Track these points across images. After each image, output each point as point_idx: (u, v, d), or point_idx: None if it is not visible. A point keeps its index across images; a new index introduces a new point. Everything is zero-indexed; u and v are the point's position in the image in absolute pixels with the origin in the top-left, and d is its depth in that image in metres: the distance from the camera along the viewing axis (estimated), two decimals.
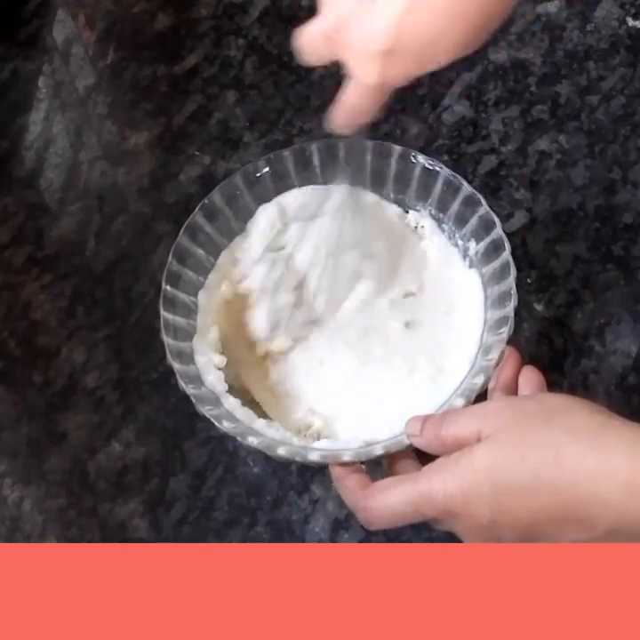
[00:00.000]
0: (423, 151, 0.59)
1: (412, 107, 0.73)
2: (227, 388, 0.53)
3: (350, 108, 0.47)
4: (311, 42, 0.46)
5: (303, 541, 0.56)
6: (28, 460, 0.61)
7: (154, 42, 0.83)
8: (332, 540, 0.55)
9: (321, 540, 0.55)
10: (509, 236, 0.55)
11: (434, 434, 0.45)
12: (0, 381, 0.66)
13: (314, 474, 0.57)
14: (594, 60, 0.74)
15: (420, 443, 0.46)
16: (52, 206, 0.74)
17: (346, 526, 0.55)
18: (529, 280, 0.63)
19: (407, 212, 0.60)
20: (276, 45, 0.80)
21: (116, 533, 0.57)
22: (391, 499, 0.44)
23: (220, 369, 0.54)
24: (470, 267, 0.57)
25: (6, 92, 0.82)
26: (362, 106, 0.46)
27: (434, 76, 0.74)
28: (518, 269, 0.53)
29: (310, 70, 0.77)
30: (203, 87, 0.78)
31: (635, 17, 0.76)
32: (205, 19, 0.83)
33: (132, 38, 0.84)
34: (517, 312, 0.52)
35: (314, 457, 0.49)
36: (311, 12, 0.46)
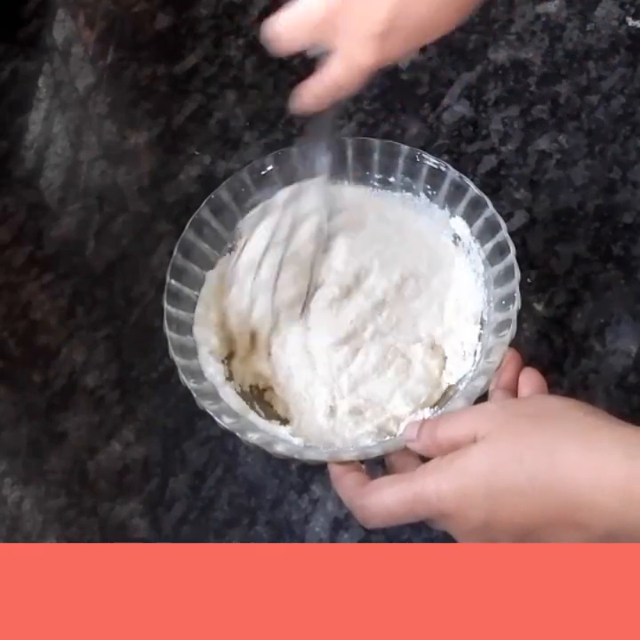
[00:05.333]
0: (423, 151, 0.60)
1: (412, 107, 0.73)
2: (226, 374, 0.54)
3: (334, 83, 0.47)
4: (292, 28, 0.46)
5: (303, 541, 0.56)
6: (28, 459, 0.61)
7: (154, 41, 0.83)
8: (332, 540, 0.55)
9: (321, 540, 0.55)
10: (509, 235, 0.55)
11: (430, 437, 0.45)
12: (0, 381, 0.66)
13: (314, 473, 0.57)
14: (594, 60, 0.74)
15: (417, 447, 0.46)
16: (52, 206, 0.74)
17: (346, 526, 0.55)
18: (529, 280, 0.62)
19: None
20: None
21: (116, 533, 0.57)
22: (386, 498, 0.44)
23: (220, 361, 0.55)
24: (473, 268, 0.58)
25: (6, 92, 0.82)
26: (347, 84, 0.47)
27: (434, 75, 0.74)
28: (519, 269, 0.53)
29: (310, 70, 0.77)
30: (203, 87, 0.78)
31: (635, 17, 0.76)
32: (205, 18, 0.83)
33: (131, 38, 0.84)
34: (518, 313, 0.52)
35: (312, 455, 0.49)
36: (274, 13, 0.46)
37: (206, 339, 0.56)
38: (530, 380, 0.49)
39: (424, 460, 0.46)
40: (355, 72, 0.46)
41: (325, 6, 0.45)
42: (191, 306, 0.56)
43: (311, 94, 0.48)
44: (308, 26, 0.46)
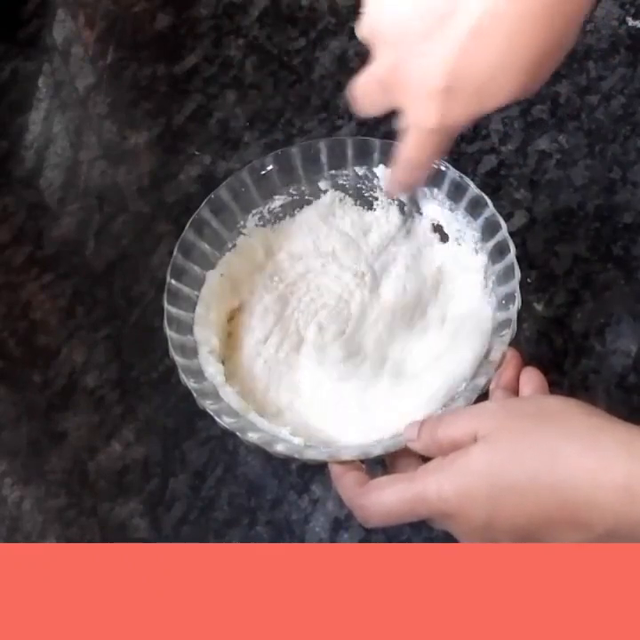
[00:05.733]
0: None
1: None
2: (226, 373, 0.54)
3: (410, 159, 0.45)
4: (367, 90, 0.44)
5: (303, 541, 0.56)
6: (28, 459, 0.61)
7: (154, 42, 0.83)
8: (332, 540, 0.55)
9: (321, 540, 0.55)
10: (509, 235, 0.55)
11: (430, 437, 0.45)
12: (0, 381, 0.66)
13: (314, 473, 0.57)
14: (594, 60, 0.74)
15: (417, 447, 0.46)
16: (52, 206, 0.74)
17: (346, 526, 0.55)
18: (529, 280, 0.62)
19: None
20: (276, 45, 0.80)
21: (116, 533, 0.57)
22: (386, 497, 0.44)
23: (220, 361, 0.55)
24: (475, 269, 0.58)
25: (6, 92, 0.82)
26: (422, 155, 0.44)
27: None
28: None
29: (310, 70, 0.77)
30: (203, 87, 0.79)
31: (635, 17, 0.76)
32: (205, 18, 0.83)
33: (131, 38, 0.84)
34: (518, 312, 0.52)
35: (312, 454, 0.49)
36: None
37: (207, 338, 0.56)
38: (531, 379, 0.49)
39: (425, 459, 0.46)
40: (423, 137, 0.43)
41: (390, 64, 0.42)
42: (191, 305, 0.57)
43: (397, 183, 0.47)
44: (377, 85, 0.43)
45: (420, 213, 0.60)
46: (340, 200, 0.62)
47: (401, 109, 0.43)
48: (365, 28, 0.42)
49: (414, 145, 0.44)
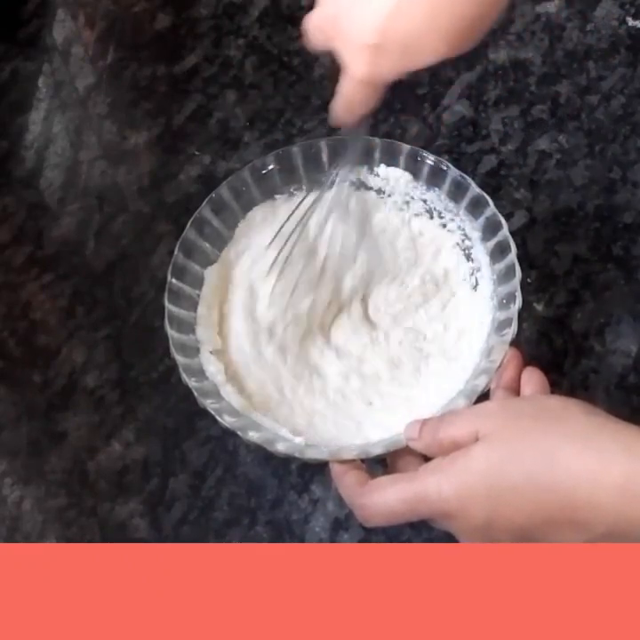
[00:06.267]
0: (424, 150, 0.60)
1: (411, 106, 0.73)
2: (223, 370, 0.54)
3: (345, 101, 0.48)
4: (311, 29, 0.47)
5: (303, 541, 0.56)
6: (28, 459, 0.61)
7: (154, 42, 0.83)
8: (332, 540, 0.55)
9: (321, 540, 0.55)
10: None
11: (432, 437, 0.45)
12: (0, 381, 0.66)
13: (314, 473, 0.57)
14: (594, 60, 0.74)
15: (418, 446, 0.46)
16: (52, 206, 0.74)
17: (346, 526, 0.55)
18: (529, 280, 0.62)
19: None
20: (276, 45, 0.80)
21: (116, 533, 0.57)
22: (387, 497, 0.44)
23: (220, 360, 0.55)
24: (477, 268, 0.58)
25: (6, 92, 0.82)
26: (356, 99, 0.47)
27: (434, 75, 0.74)
28: None
29: (310, 70, 0.77)
30: (203, 87, 0.78)
31: (635, 17, 0.76)
32: (205, 18, 0.83)
33: (131, 38, 0.84)
34: (518, 312, 0.52)
35: (313, 454, 0.49)
36: (311, 11, 0.46)
37: (210, 338, 0.56)
38: (532, 379, 0.49)
39: (425, 459, 0.46)
40: (354, 85, 0.46)
41: (333, 10, 0.45)
42: (191, 305, 0.57)
43: (334, 114, 0.49)
44: (319, 27, 0.46)
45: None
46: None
47: (338, 55, 0.46)
48: None
49: (347, 89, 0.47)
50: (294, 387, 0.56)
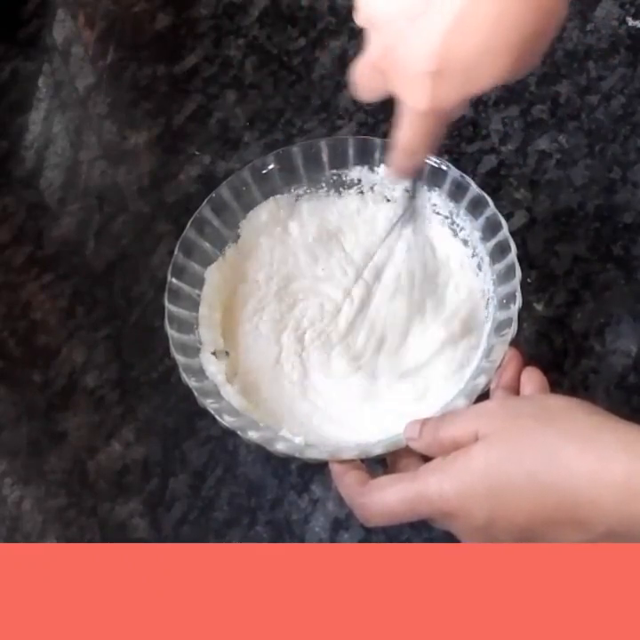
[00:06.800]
0: None
1: None
2: (224, 369, 0.54)
3: (406, 143, 0.45)
4: (363, 75, 0.44)
5: (303, 541, 0.56)
6: (28, 459, 0.61)
7: (154, 42, 0.83)
8: (332, 540, 0.55)
9: (321, 540, 0.55)
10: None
11: (432, 437, 0.45)
12: (0, 381, 0.66)
13: (314, 473, 0.57)
14: (594, 60, 0.74)
15: (418, 446, 0.46)
16: (52, 206, 0.74)
17: (346, 526, 0.55)
18: (529, 280, 0.62)
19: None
20: (276, 45, 0.80)
21: (116, 533, 0.57)
22: (388, 497, 0.44)
23: (221, 359, 0.55)
24: (479, 268, 0.58)
25: (6, 92, 0.82)
26: (417, 139, 0.44)
27: None
28: None
29: (310, 70, 0.77)
30: (203, 87, 0.78)
31: (635, 17, 0.76)
32: (205, 18, 0.83)
33: (131, 38, 0.84)
34: (518, 312, 0.52)
35: (313, 453, 0.49)
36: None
37: (213, 339, 0.56)
38: (532, 378, 0.49)
39: (426, 459, 0.46)
40: (416, 120, 0.43)
41: (382, 47, 0.42)
42: (192, 305, 0.57)
43: (394, 163, 0.47)
44: (371, 69, 0.43)
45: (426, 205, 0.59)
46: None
47: (395, 93, 0.43)
48: (360, 14, 0.43)
49: (408, 128, 0.44)
50: (294, 386, 0.56)
